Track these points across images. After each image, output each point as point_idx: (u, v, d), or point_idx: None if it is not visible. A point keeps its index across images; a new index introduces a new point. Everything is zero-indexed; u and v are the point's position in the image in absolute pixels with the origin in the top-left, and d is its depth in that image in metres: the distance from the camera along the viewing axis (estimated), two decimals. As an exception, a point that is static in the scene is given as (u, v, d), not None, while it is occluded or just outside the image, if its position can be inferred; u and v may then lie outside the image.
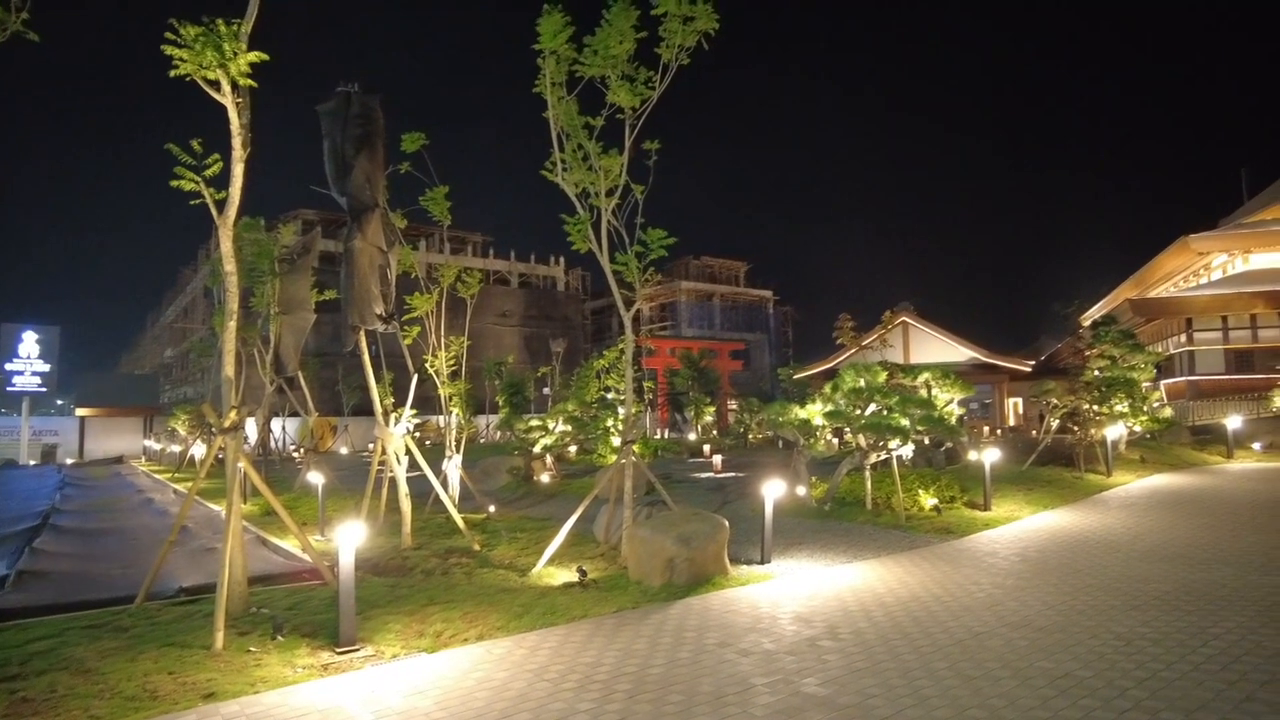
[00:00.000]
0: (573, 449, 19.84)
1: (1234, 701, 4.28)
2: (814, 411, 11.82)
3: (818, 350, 32.82)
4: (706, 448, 23.82)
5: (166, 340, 62.95)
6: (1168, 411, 20.80)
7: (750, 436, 29.45)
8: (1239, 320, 30.25)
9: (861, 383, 11.40)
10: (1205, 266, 34.41)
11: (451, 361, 12.74)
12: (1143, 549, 8.67)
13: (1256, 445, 18.63)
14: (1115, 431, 15.91)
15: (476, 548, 9.31)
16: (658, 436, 36.02)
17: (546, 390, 36.40)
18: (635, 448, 9.05)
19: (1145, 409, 16.75)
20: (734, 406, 36.62)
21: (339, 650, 5.39)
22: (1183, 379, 31.28)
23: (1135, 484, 14.15)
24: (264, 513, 12.65)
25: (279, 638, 5.60)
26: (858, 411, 11.31)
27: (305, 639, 5.64)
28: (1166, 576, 7.29)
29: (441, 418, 13.33)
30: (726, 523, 7.74)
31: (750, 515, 10.63)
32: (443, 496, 10.14)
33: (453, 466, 12.45)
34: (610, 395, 19.76)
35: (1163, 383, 31.94)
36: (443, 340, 12.45)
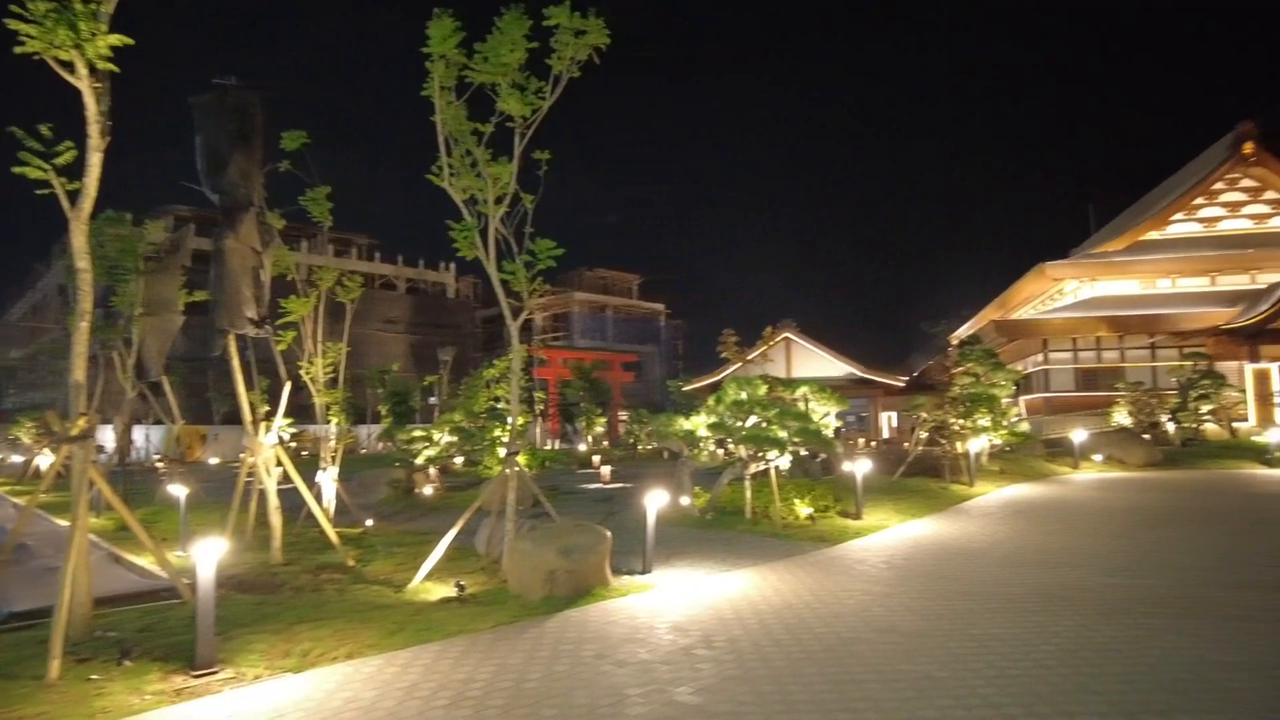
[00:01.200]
0: (459, 460, 19.46)
1: (1067, 693, 4.62)
2: (698, 423, 12.05)
3: (710, 363, 33.56)
4: (596, 459, 23.84)
5: (13, 340, 57.73)
6: (1025, 426, 22.37)
7: (640, 447, 29.69)
8: (1086, 342, 32.92)
9: (743, 395, 11.72)
10: (1060, 291, 37.29)
11: (329, 369, 12.26)
12: (999, 555, 9.27)
13: (1097, 457, 20.28)
14: (978, 444, 16.97)
15: (351, 563, 8.97)
16: (547, 447, 35.79)
17: (433, 400, 35.55)
18: (521, 459, 8.95)
19: (1005, 423, 17.94)
20: (625, 418, 36.89)
21: (195, 673, 5.07)
22: (1039, 396, 33.71)
23: (995, 493, 15.12)
24: (118, 528, 11.75)
25: (126, 663, 5.21)
26: (739, 423, 11.61)
27: (158, 663, 5.27)
28: (1019, 580, 7.82)
29: (319, 427, 12.79)
30: (609, 534, 7.77)
31: (635, 526, 10.70)
32: (315, 510, 9.72)
33: (327, 478, 11.97)
34: (500, 405, 19.50)
35: (1022, 399, 34.31)
36: (320, 346, 11.97)
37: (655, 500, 8.36)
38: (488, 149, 8.25)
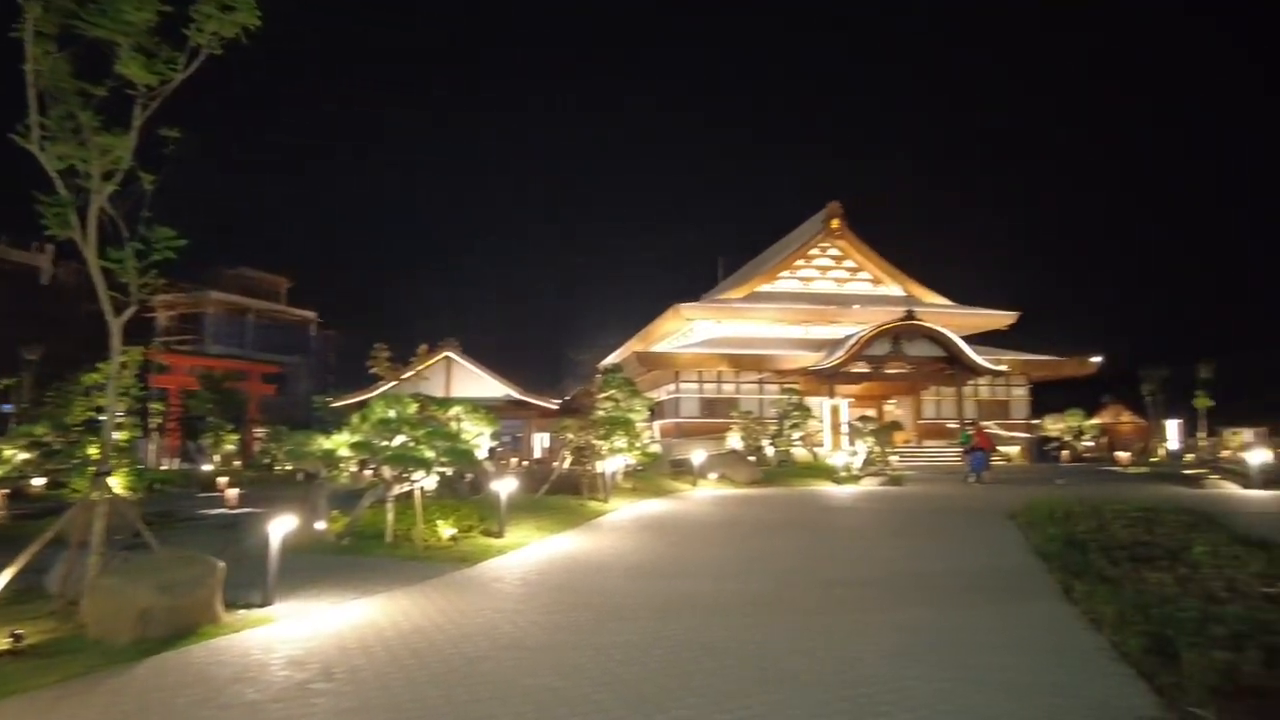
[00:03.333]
0: (39, 482, 16.16)
1: (670, 691, 5.15)
2: (340, 442, 11.41)
3: (367, 379, 31.92)
4: (222, 480, 21.34)
5: None
6: (656, 448, 24.66)
7: (277, 468, 27.18)
8: (710, 375, 37.43)
9: (392, 414, 11.37)
10: (691, 329, 41.94)
11: None
12: (625, 566, 10.06)
13: (712, 475, 23.11)
14: (615, 464, 18.34)
15: None
16: (164, 467, 31.21)
17: (9, 407, 29.03)
18: (119, 479, 7.70)
19: (639, 445, 19.58)
20: (262, 435, 33.52)
21: None
22: (671, 420, 37.45)
23: (626, 509, 16.42)
24: None
25: None
26: (385, 443, 11.23)
27: None
28: (640, 589, 8.55)
29: None
30: (221, 564, 7.00)
31: (262, 555, 9.77)
32: None
33: None
34: (105, 417, 16.56)
35: (656, 423, 37.75)
36: None
37: (281, 525, 7.72)
38: (100, 114, 7.08)
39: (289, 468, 26.23)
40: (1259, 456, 22.69)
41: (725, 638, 6.50)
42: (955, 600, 7.91)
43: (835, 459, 26.43)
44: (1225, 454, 29.72)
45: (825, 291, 41.94)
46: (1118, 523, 11.12)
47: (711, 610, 7.51)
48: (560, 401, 35.45)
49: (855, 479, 23.99)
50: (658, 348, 42.02)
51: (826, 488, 22.76)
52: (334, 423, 25.47)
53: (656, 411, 37.73)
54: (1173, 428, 34.59)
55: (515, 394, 33.02)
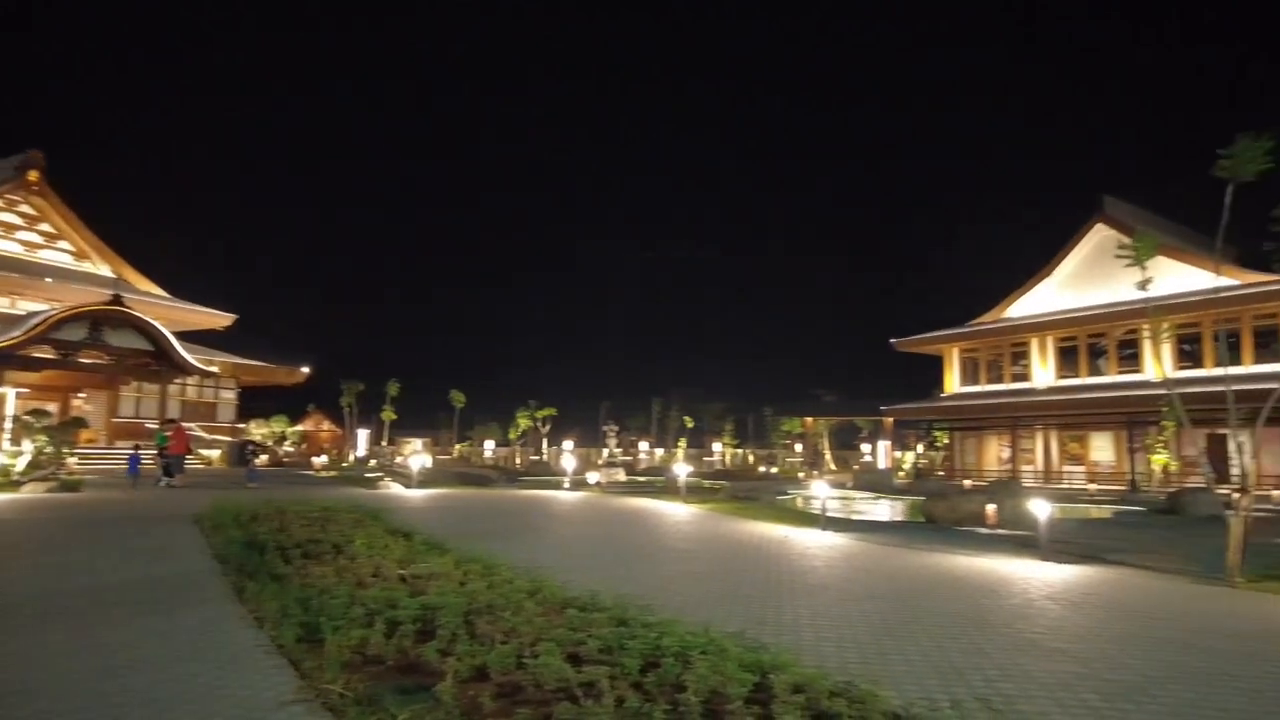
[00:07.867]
0: None
1: None
2: None
3: None
4: None
5: None
6: None
7: None
8: None
9: None
10: None
11: None
12: None
13: None
14: None
15: None
16: None
17: None
18: None
19: None
20: None
21: None
22: None
23: None
24: None
25: None
26: None
27: None
28: None
29: None
30: None
31: None
32: None
33: None
34: None
35: None
36: None
37: None
38: None
39: None
40: (419, 461, 27.72)
41: None
42: (107, 617, 7.23)
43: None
44: (399, 460, 35.24)
45: (8, 254, 34.21)
46: (297, 523, 11.98)
47: None
48: None
49: (15, 485, 20.02)
50: None
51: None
52: None
53: None
54: (363, 436, 39.20)
55: None
